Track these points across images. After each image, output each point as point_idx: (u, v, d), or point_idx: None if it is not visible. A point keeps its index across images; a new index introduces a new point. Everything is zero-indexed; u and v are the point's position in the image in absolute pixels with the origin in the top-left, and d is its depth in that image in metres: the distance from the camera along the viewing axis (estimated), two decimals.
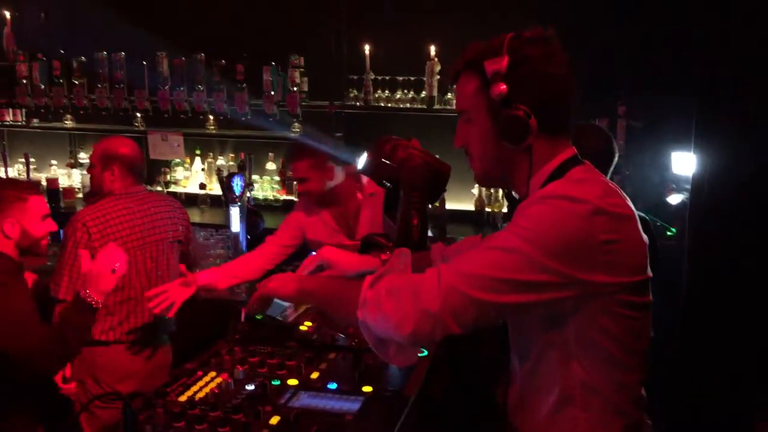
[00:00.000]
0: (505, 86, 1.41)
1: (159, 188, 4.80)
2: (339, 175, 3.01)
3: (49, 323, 2.51)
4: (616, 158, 2.93)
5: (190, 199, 4.79)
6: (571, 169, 1.45)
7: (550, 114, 1.44)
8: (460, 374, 1.95)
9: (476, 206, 4.34)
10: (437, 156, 2.22)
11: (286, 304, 2.16)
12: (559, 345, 1.39)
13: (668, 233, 3.69)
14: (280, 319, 2.07)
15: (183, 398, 1.66)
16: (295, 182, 4.18)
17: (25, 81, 4.78)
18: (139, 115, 4.79)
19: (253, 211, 4.11)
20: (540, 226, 1.31)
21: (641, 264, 1.39)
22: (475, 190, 4.35)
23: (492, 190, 4.31)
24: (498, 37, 1.46)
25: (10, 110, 5.01)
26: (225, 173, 4.39)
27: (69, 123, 4.98)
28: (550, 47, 1.45)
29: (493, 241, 1.36)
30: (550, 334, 1.40)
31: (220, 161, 4.84)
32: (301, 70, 4.42)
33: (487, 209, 4.32)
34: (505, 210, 4.18)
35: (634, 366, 1.41)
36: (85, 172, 4.90)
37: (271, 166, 4.74)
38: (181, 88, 4.54)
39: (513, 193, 1.60)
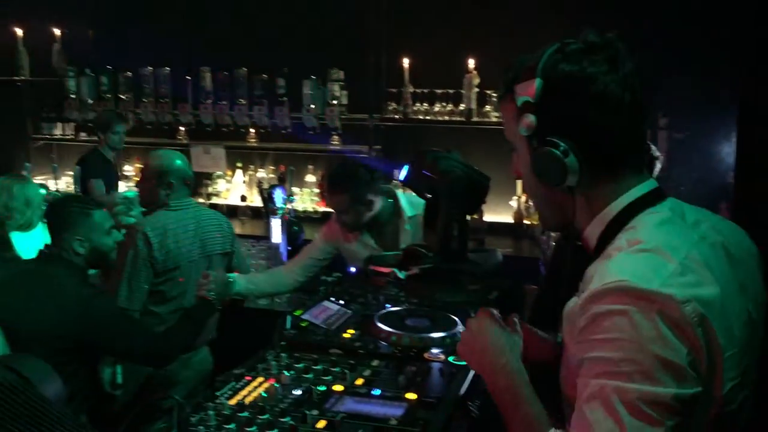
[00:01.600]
0: (533, 117, 1.17)
1: (201, 200, 4.90)
2: (378, 203, 2.89)
3: None
4: (657, 171, 2.93)
5: (231, 211, 4.87)
6: (637, 216, 1.16)
7: (601, 146, 1.16)
8: None
9: (515, 218, 4.35)
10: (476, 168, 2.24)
11: (329, 312, 2.20)
12: None
13: None
14: (324, 327, 2.11)
15: (233, 402, 1.70)
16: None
17: (73, 96, 4.94)
18: (182, 128, 4.91)
19: (294, 223, 4.18)
20: (627, 351, 1.02)
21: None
22: (514, 202, 4.36)
23: (530, 202, 4.32)
24: (540, 50, 1.19)
25: (60, 124, 5.17)
26: (265, 185, 4.47)
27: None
28: (605, 59, 1.14)
29: (596, 400, 1.04)
30: None
31: (261, 173, 4.92)
32: (341, 83, 4.49)
33: (526, 221, 4.32)
34: None
35: None
36: (130, 184, 5.03)
37: (310, 178, 4.81)
38: (224, 102, 4.65)
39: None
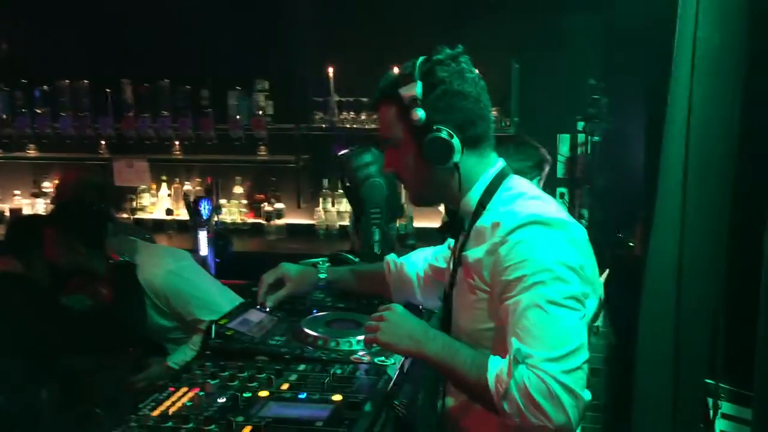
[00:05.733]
0: (422, 111, 1.50)
1: (125, 215, 4.78)
2: (96, 261, 2.71)
3: None
4: (548, 168, 3.05)
5: (158, 226, 4.78)
6: (504, 180, 1.58)
7: (471, 129, 1.53)
8: (427, 382, 2.00)
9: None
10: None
11: (256, 319, 2.18)
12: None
13: (630, 244, 3.82)
14: (250, 334, 2.09)
15: (156, 413, 1.67)
16: None
17: None
18: (103, 142, 4.78)
19: (222, 235, 4.13)
20: (543, 264, 1.38)
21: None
22: (442, 208, 4.41)
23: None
24: (409, 62, 1.56)
25: None
26: (192, 198, 4.40)
27: (32, 152, 4.93)
28: (460, 65, 1.54)
29: (534, 311, 1.36)
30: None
31: (187, 186, 4.85)
32: (266, 93, 4.47)
33: None
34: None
35: None
36: (49, 201, 4.87)
37: (238, 189, 4.77)
38: (146, 115, 4.56)
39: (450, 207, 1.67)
